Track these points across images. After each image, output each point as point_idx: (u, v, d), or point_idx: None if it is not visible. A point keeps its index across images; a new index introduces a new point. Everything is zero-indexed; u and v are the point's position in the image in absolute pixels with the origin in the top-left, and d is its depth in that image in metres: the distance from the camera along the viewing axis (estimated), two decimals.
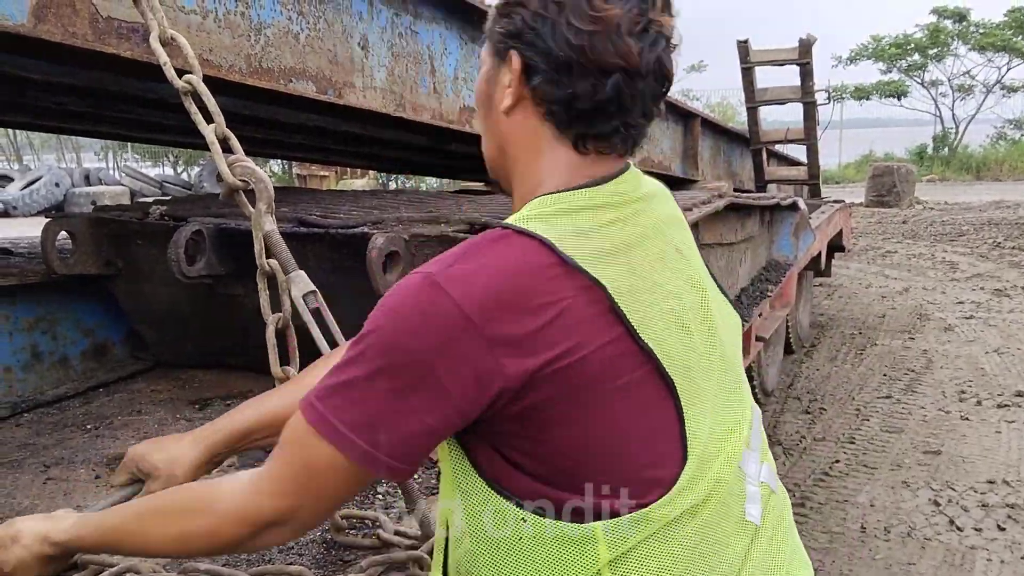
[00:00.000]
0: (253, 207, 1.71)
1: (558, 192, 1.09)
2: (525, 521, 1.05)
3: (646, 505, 1.04)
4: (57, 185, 17.74)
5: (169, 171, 26.61)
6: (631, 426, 1.05)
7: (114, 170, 24.05)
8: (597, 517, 1.03)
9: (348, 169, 18.36)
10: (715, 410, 1.13)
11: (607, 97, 1.07)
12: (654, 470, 1.06)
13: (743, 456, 1.15)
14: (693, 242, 1.25)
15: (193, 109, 1.71)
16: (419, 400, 1.00)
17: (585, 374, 1.01)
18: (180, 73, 1.78)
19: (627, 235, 1.10)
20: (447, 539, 1.16)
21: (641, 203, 1.14)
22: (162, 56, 1.70)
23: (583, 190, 1.09)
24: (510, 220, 1.07)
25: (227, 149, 1.81)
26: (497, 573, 1.08)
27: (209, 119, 1.74)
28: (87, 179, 18.76)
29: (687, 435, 1.08)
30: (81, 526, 1.24)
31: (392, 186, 21.33)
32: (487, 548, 1.09)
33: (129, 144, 23.81)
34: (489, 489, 1.06)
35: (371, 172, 19.06)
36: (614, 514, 1.03)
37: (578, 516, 1.03)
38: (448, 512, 1.15)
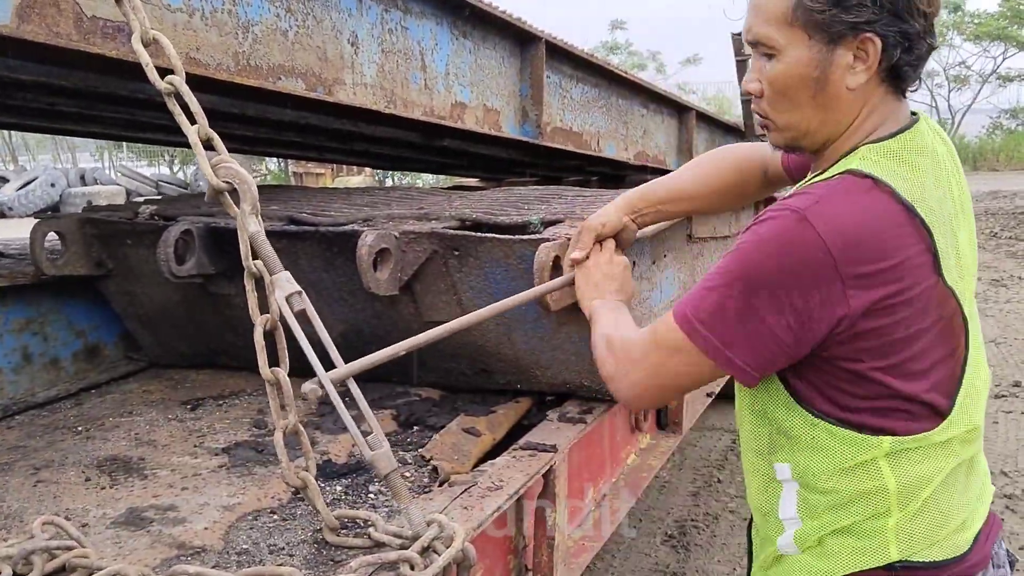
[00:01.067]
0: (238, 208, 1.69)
1: (880, 141, 1.33)
2: (816, 426, 1.36)
3: (924, 430, 1.33)
4: (53, 185, 17.72)
5: (165, 170, 26.59)
6: (933, 358, 1.31)
7: (110, 170, 24.01)
8: (885, 432, 1.33)
9: (344, 167, 18.34)
10: (977, 362, 1.40)
11: (933, 49, 1.34)
12: (937, 398, 1.33)
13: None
14: (968, 190, 1.47)
15: (176, 110, 1.69)
16: (775, 319, 1.25)
17: (913, 308, 1.26)
18: (164, 73, 1.76)
19: (932, 180, 1.33)
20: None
21: (931, 150, 1.37)
22: (144, 57, 1.69)
23: (898, 138, 1.34)
24: (855, 164, 1.30)
25: (212, 149, 1.79)
26: (793, 450, 1.41)
27: (193, 120, 1.72)
28: (83, 179, 18.74)
29: (964, 377, 1.36)
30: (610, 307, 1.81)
31: (389, 183, 21.33)
32: (782, 435, 1.41)
33: (124, 144, 23.76)
34: (788, 396, 1.37)
35: (367, 169, 19.03)
36: (900, 431, 1.33)
37: (864, 428, 1.33)
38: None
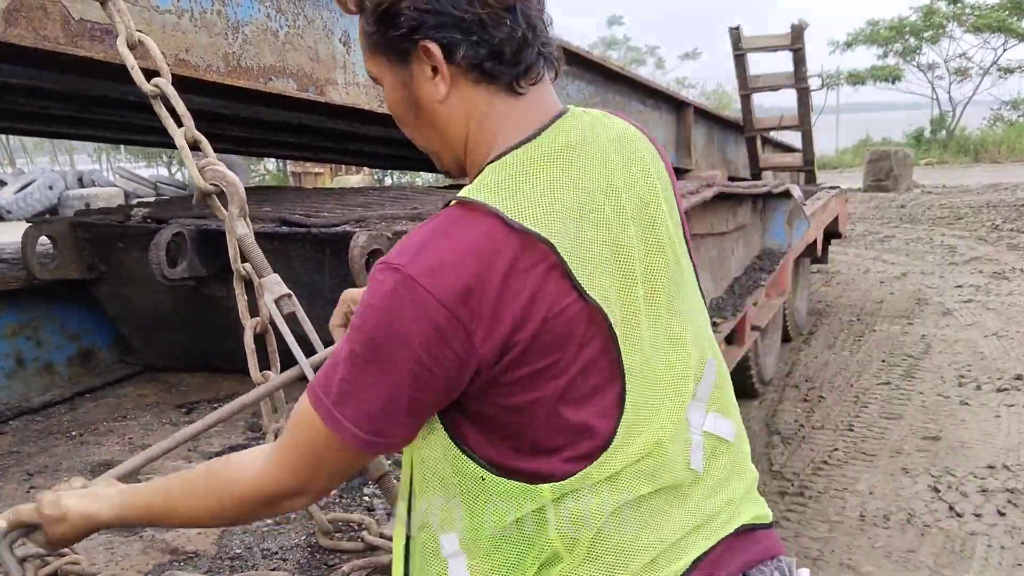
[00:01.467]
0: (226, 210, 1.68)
1: (504, 155, 1.15)
2: (484, 479, 1.15)
3: (585, 465, 1.13)
4: (51, 188, 17.72)
5: (163, 171, 26.57)
6: (581, 384, 1.13)
7: (108, 172, 24.01)
8: (542, 477, 1.13)
9: (343, 166, 18.33)
10: (656, 364, 1.19)
11: (523, 27, 1.14)
12: (596, 422, 1.14)
13: (688, 408, 1.23)
14: (657, 166, 1.28)
15: (163, 112, 1.68)
16: (412, 388, 1.09)
17: (549, 337, 1.09)
18: (153, 75, 1.75)
19: (571, 184, 1.14)
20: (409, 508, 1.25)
21: (583, 146, 1.18)
22: (129, 59, 1.67)
23: (525, 146, 1.15)
24: (465, 192, 1.11)
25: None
26: (458, 515, 1.18)
27: (180, 122, 1.71)
28: (80, 181, 18.73)
29: (625, 395, 1.15)
30: (120, 506, 1.35)
31: (388, 182, 21.31)
32: (447, 500, 1.19)
33: (122, 145, 23.76)
34: (453, 446, 1.16)
35: (365, 168, 19.02)
36: (558, 475, 1.13)
37: (526, 477, 1.14)
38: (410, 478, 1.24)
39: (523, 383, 1.11)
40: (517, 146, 1.16)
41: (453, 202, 1.12)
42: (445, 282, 1.06)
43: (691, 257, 1.31)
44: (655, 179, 1.25)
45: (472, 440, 1.16)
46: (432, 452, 1.18)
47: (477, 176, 1.17)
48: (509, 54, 1.15)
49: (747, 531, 1.28)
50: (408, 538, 1.26)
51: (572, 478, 1.14)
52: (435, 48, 1.13)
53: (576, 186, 1.15)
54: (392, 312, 1.07)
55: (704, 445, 1.25)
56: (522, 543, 1.17)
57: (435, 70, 1.15)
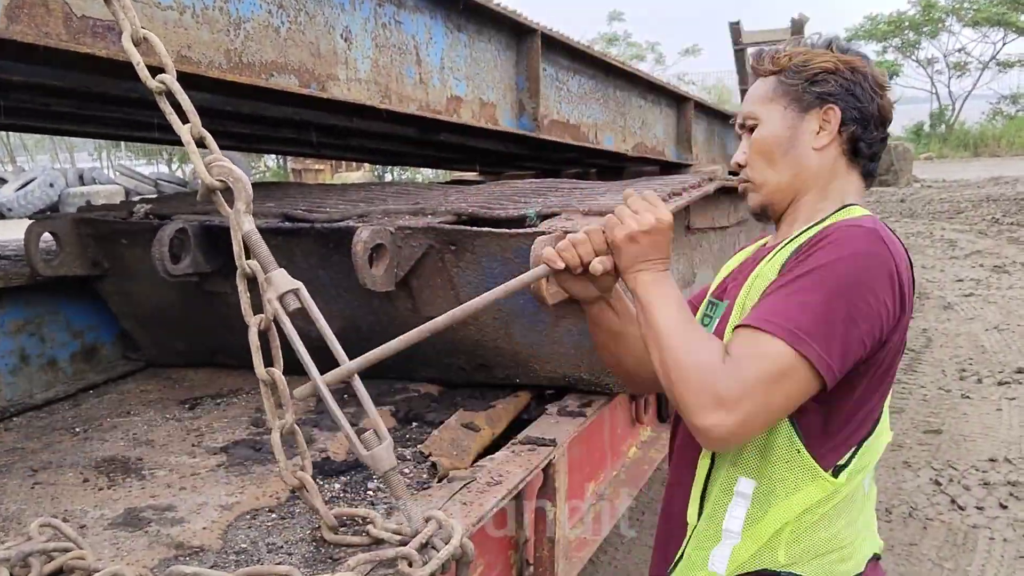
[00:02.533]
0: (231, 207, 1.68)
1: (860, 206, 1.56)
2: (799, 452, 1.45)
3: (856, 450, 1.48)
4: (51, 186, 17.71)
5: (164, 169, 26.55)
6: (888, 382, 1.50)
7: (108, 169, 23.98)
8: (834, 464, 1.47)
9: (344, 162, 18.32)
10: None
11: (885, 142, 1.61)
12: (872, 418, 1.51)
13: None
14: None
15: (168, 109, 1.67)
16: (867, 326, 1.36)
17: (900, 344, 1.47)
18: (156, 72, 1.74)
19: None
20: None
21: None
22: (134, 56, 1.67)
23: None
24: (855, 218, 1.49)
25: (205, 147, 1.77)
26: (760, 469, 1.49)
27: (186, 119, 1.71)
28: (81, 179, 18.73)
29: (884, 409, 1.54)
30: (668, 283, 1.54)
31: (388, 178, 21.29)
32: (757, 453, 1.49)
33: (123, 143, 23.74)
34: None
35: (366, 165, 19.00)
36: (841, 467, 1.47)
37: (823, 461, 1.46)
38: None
39: (885, 357, 1.44)
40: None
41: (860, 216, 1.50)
42: (898, 253, 1.42)
43: None
44: None
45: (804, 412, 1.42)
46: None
47: (842, 210, 1.54)
48: (871, 153, 1.59)
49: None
50: (711, 468, 1.55)
51: (850, 457, 1.47)
52: (838, 113, 1.54)
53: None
54: (870, 258, 1.37)
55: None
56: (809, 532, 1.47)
57: (822, 129, 1.54)
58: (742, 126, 1.64)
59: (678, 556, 1.60)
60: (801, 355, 1.32)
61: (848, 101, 1.54)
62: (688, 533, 1.59)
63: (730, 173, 1.73)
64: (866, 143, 1.57)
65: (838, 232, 1.42)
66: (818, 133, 1.55)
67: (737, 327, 1.42)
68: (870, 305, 1.36)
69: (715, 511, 1.53)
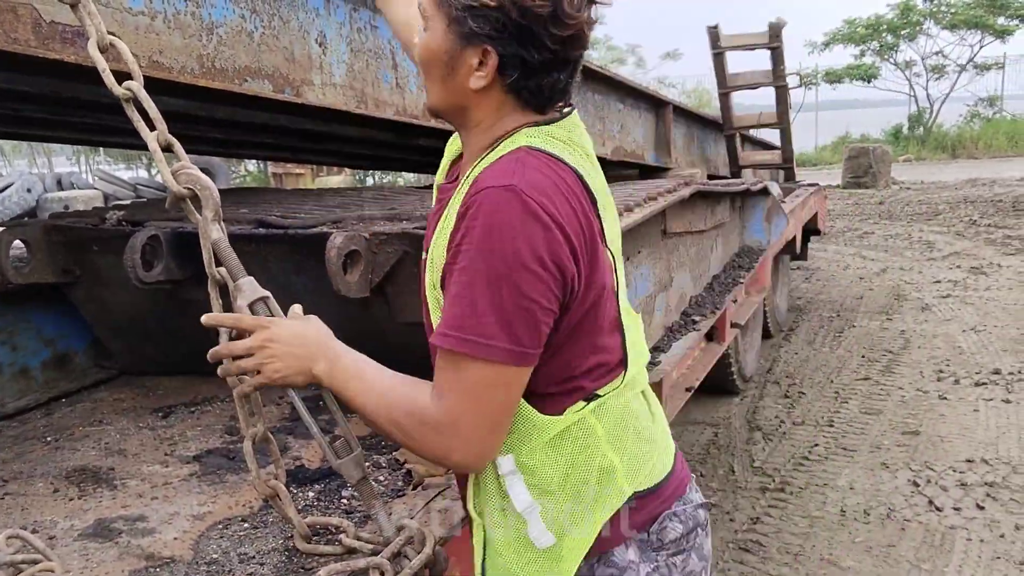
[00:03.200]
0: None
1: (539, 125, 1.37)
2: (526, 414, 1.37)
3: (602, 390, 1.42)
4: (29, 191, 17.53)
5: (143, 173, 26.36)
6: (608, 316, 1.41)
7: (87, 174, 23.80)
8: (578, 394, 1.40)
9: (324, 167, 18.24)
10: (627, 311, 1.50)
11: (565, 78, 1.35)
12: (608, 356, 1.42)
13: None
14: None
15: (135, 116, 1.66)
16: (542, 295, 1.25)
17: (598, 271, 1.34)
18: (125, 78, 1.73)
19: (589, 163, 1.42)
20: None
21: (584, 144, 1.45)
22: (100, 63, 1.65)
23: (557, 124, 1.39)
24: (530, 143, 1.33)
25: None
26: (510, 442, 1.39)
27: (153, 126, 1.69)
28: (59, 184, 18.54)
29: (622, 324, 1.46)
30: (341, 350, 1.48)
31: (370, 182, 21.23)
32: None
33: (101, 147, 23.56)
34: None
35: (346, 169, 18.94)
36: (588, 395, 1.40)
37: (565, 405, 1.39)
38: None
39: (582, 305, 1.33)
40: (548, 123, 1.38)
41: (515, 149, 1.33)
42: (549, 200, 1.25)
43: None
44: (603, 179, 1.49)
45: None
46: None
47: (513, 135, 1.36)
48: (547, 93, 1.35)
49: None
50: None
51: (606, 386, 1.41)
52: (494, 60, 1.30)
53: (590, 163, 1.42)
54: (516, 223, 1.23)
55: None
56: (574, 454, 1.39)
57: (481, 65, 1.31)
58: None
59: (483, 553, 1.49)
60: (494, 362, 1.26)
61: (507, 45, 1.28)
62: (476, 529, 1.49)
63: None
64: (531, 91, 1.34)
65: (477, 203, 1.26)
66: (476, 72, 1.32)
67: (432, 343, 1.35)
68: (539, 278, 1.24)
69: (501, 502, 1.42)
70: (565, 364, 1.37)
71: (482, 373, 1.27)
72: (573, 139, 1.40)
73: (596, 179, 1.40)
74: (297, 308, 1.58)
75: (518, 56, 1.29)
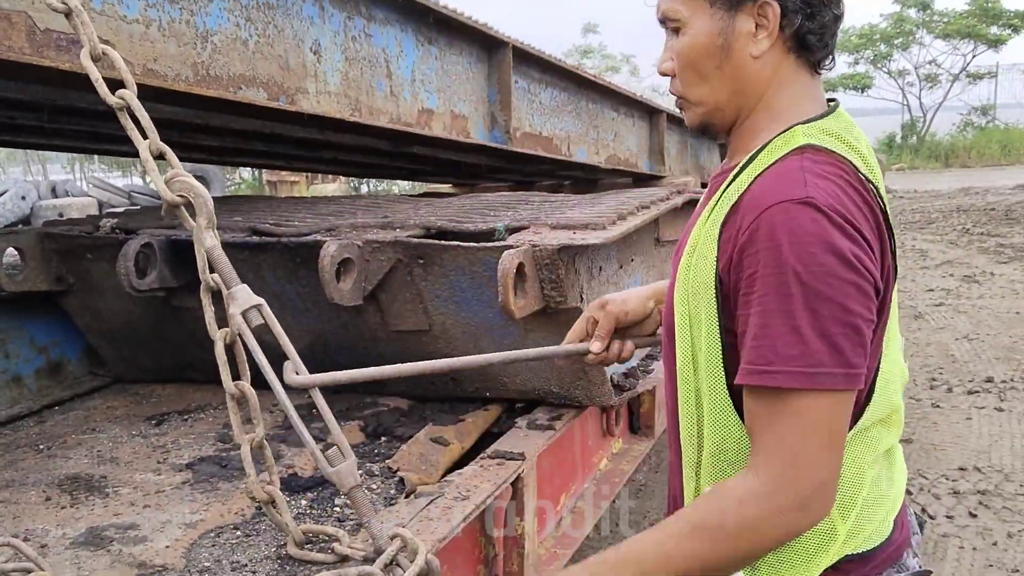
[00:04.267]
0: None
1: (813, 121, 1.28)
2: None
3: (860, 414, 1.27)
4: (23, 198, 17.49)
5: (138, 181, 26.32)
6: (884, 338, 1.28)
7: (81, 181, 23.77)
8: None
9: (319, 175, 18.25)
10: (893, 350, 1.34)
11: (840, 20, 1.29)
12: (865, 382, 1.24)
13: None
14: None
15: (129, 124, 1.66)
16: (859, 305, 1.15)
17: (888, 295, 1.25)
18: (119, 86, 1.73)
19: (873, 164, 1.29)
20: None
21: (860, 141, 1.32)
22: (93, 72, 1.66)
23: (830, 117, 1.30)
24: (811, 141, 1.24)
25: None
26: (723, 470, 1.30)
27: (146, 134, 1.70)
28: (54, 191, 18.51)
29: (881, 362, 1.29)
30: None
31: (364, 190, 21.24)
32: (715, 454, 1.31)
33: (96, 155, 23.52)
34: (729, 402, 1.27)
35: (341, 177, 18.95)
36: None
37: None
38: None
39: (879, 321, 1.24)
40: (818, 117, 1.29)
41: (797, 148, 1.24)
42: (845, 207, 1.16)
43: None
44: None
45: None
46: (707, 405, 1.29)
47: (785, 134, 1.27)
48: (827, 37, 1.28)
49: None
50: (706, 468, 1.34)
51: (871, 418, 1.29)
52: (776, 8, 1.24)
53: (872, 165, 1.29)
54: (817, 236, 1.13)
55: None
56: None
57: (759, 27, 1.26)
58: (663, 22, 1.37)
59: None
60: (832, 390, 1.14)
61: None
62: None
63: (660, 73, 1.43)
64: (815, 34, 1.27)
65: (768, 220, 1.16)
66: (755, 36, 1.27)
67: (742, 384, 1.21)
68: (849, 283, 1.13)
69: None
70: None
71: (819, 406, 1.15)
72: (847, 138, 1.28)
73: (880, 183, 1.29)
74: None
75: None
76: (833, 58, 1.33)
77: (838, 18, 1.29)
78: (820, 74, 1.34)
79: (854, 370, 1.15)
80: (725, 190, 1.30)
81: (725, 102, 1.33)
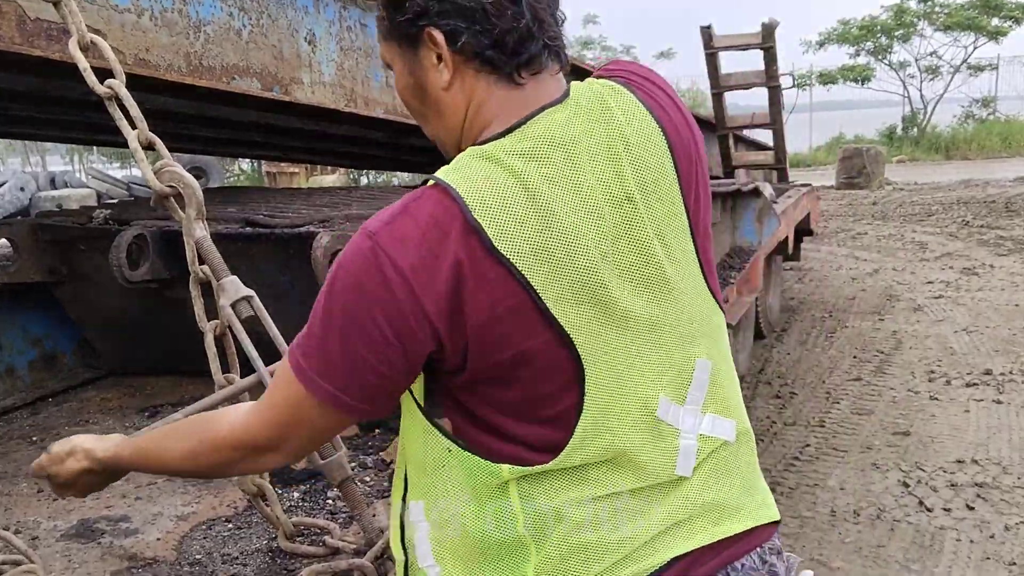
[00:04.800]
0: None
1: (484, 143, 1.15)
2: (450, 451, 1.17)
3: (543, 461, 1.13)
4: (22, 190, 17.48)
5: (136, 172, 26.29)
6: (532, 389, 1.13)
7: (80, 172, 23.75)
8: (505, 458, 1.14)
9: (319, 166, 18.22)
10: (625, 373, 1.16)
11: (527, 19, 1.14)
12: (552, 431, 1.14)
13: (671, 414, 1.20)
14: (657, 153, 1.21)
15: (117, 114, 1.65)
16: (368, 351, 1.10)
17: (491, 343, 1.09)
18: (106, 76, 1.72)
19: (542, 179, 1.11)
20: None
21: (564, 142, 1.15)
22: (81, 62, 1.65)
23: (506, 137, 1.14)
24: (441, 174, 1.12)
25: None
26: (426, 486, 1.22)
27: (135, 124, 1.68)
28: (52, 182, 18.49)
29: (584, 402, 1.13)
30: (120, 447, 1.41)
31: (364, 181, 21.20)
32: (417, 469, 1.23)
33: (93, 146, 23.48)
34: (427, 422, 1.19)
35: (341, 168, 18.92)
36: (520, 460, 1.14)
37: (491, 455, 1.15)
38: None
39: (479, 385, 1.14)
40: (495, 137, 1.15)
41: (430, 181, 1.13)
42: (407, 257, 1.06)
43: (698, 250, 1.25)
44: (648, 170, 1.19)
45: (448, 415, 1.20)
46: (410, 423, 1.23)
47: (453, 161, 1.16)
48: (511, 44, 1.15)
49: (743, 532, 1.24)
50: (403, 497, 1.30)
51: (534, 466, 1.14)
52: (439, 35, 1.15)
53: (547, 180, 1.11)
54: (359, 273, 1.09)
55: (699, 449, 1.21)
56: (491, 530, 1.17)
57: (439, 57, 1.17)
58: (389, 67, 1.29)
59: None
60: (303, 387, 1.15)
61: (440, 12, 1.14)
62: (399, 568, 1.34)
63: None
64: (494, 47, 1.15)
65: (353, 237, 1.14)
66: (437, 67, 1.18)
67: None
68: (367, 332, 1.09)
69: (410, 555, 1.28)
70: (478, 410, 1.17)
71: (294, 396, 1.18)
72: (546, 138, 1.14)
73: (569, 198, 1.12)
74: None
75: (454, 14, 1.14)
76: (543, 58, 1.18)
77: (517, 18, 1.14)
78: (523, 81, 1.17)
79: (337, 392, 1.13)
80: None
81: (444, 136, 1.27)
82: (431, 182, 1.12)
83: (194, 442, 1.30)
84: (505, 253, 1.07)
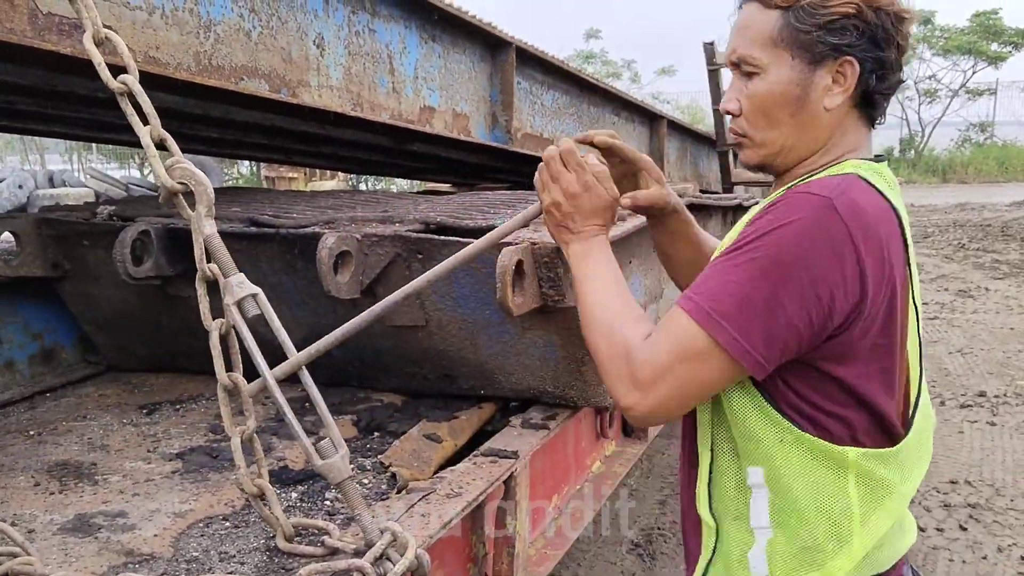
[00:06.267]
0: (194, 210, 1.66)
1: (864, 160, 1.39)
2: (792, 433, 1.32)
3: (885, 445, 1.35)
4: (20, 187, 17.46)
5: (135, 172, 26.27)
6: (899, 366, 1.34)
7: (78, 172, 23.72)
8: (849, 442, 1.32)
9: (318, 171, 18.21)
10: (924, 389, 1.46)
11: (901, 83, 1.43)
12: (895, 421, 1.35)
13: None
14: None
15: (129, 110, 1.65)
16: (797, 311, 1.21)
17: (894, 315, 1.29)
18: (120, 72, 1.72)
19: (904, 210, 1.39)
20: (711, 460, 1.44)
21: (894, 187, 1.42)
22: (95, 56, 1.65)
23: (880, 162, 1.42)
24: (856, 172, 1.34)
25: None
26: (764, 454, 1.35)
27: (147, 120, 1.68)
28: (51, 181, 18.47)
29: (921, 388, 1.42)
30: (605, 243, 1.54)
31: (362, 187, 21.21)
32: (754, 443, 1.35)
33: (94, 145, 23.48)
34: (763, 401, 1.32)
35: (340, 173, 18.92)
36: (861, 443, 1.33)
37: (832, 437, 1.32)
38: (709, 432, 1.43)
39: (863, 351, 1.29)
40: (869, 159, 1.41)
41: (844, 173, 1.33)
42: (859, 218, 1.23)
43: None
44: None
45: (792, 388, 1.31)
46: (745, 399, 1.35)
47: (836, 164, 1.38)
48: (890, 95, 1.41)
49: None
50: (712, 462, 1.43)
51: (877, 449, 1.32)
52: (856, 68, 1.33)
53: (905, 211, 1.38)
54: (809, 231, 1.21)
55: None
56: (823, 507, 1.32)
57: (835, 82, 1.34)
58: (735, 65, 1.41)
59: (709, 558, 1.47)
60: (713, 339, 1.24)
61: (867, 51, 1.32)
62: (707, 532, 1.46)
63: (715, 112, 1.55)
64: (882, 94, 1.38)
65: (786, 200, 1.27)
66: (832, 90, 1.35)
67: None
68: (803, 285, 1.20)
69: (739, 510, 1.41)
70: (822, 397, 1.32)
71: (700, 346, 1.26)
72: (888, 183, 1.39)
73: (907, 234, 1.39)
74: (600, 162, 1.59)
75: (876, 58, 1.33)
76: (884, 114, 1.45)
77: (901, 82, 1.42)
78: (873, 128, 1.45)
79: (747, 345, 1.23)
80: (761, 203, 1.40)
81: (791, 147, 1.40)
82: (848, 174, 1.34)
83: (612, 316, 1.40)
84: (907, 237, 1.37)
